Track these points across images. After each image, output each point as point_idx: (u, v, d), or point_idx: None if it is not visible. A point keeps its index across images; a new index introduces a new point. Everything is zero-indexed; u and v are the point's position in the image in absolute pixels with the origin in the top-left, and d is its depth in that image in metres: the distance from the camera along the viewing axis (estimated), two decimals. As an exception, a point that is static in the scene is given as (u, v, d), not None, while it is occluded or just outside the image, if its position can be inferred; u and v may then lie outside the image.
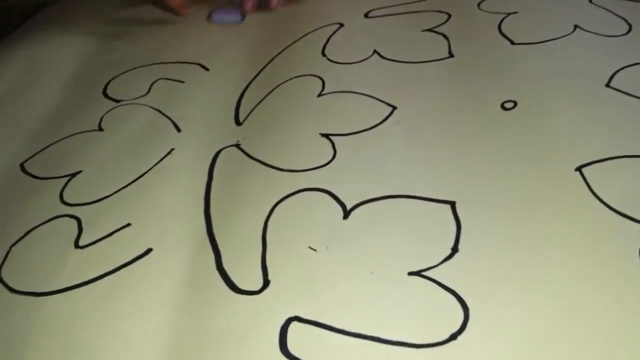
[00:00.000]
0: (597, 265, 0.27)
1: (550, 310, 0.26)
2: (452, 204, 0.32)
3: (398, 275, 0.28)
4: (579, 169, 0.32)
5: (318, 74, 0.44)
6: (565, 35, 0.44)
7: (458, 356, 0.24)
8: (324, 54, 0.47)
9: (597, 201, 0.30)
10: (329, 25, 0.51)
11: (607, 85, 0.38)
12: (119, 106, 0.44)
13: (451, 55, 0.44)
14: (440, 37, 0.47)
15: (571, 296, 0.26)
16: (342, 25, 0.51)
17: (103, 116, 0.43)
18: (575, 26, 0.45)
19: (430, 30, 0.48)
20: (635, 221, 0.29)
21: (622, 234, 0.28)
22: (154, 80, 0.46)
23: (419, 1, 0.53)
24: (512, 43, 0.44)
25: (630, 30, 0.44)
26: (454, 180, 0.33)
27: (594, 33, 0.44)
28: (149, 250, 0.32)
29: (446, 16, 0.50)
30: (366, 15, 0.52)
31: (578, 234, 0.29)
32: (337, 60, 0.46)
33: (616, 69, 0.39)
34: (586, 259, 0.27)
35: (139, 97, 0.45)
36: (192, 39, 0.52)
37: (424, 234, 0.30)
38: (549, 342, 0.24)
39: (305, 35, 0.50)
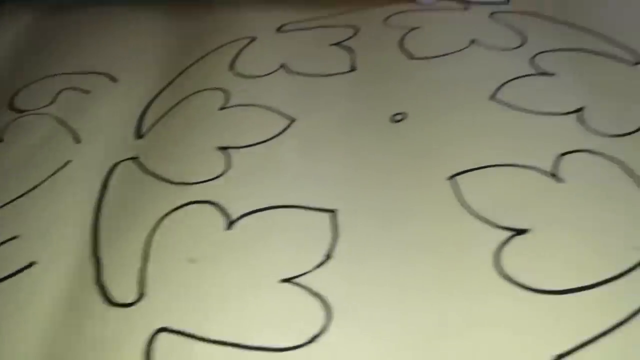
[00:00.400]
0: (457, 268, 0.28)
1: (416, 312, 0.27)
2: (333, 213, 0.33)
3: (270, 283, 0.29)
4: (452, 177, 0.33)
5: (224, 87, 0.44)
6: (461, 50, 0.46)
7: (317, 358, 0.25)
8: (232, 68, 0.47)
9: (463, 208, 0.31)
10: (241, 39, 0.52)
11: (491, 97, 0.40)
12: (22, 116, 0.44)
13: (353, 69, 0.46)
14: (346, 51, 0.48)
15: (437, 300, 0.27)
16: (254, 39, 0.52)
17: (6, 127, 0.43)
18: (472, 40, 0.47)
19: (337, 44, 0.49)
20: (495, 226, 0.30)
21: (481, 238, 0.29)
22: (59, 90, 0.46)
23: (330, 16, 0.54)
24: (411, 57, 0.46)
25: (523, 43, 0.45)
26: (337, 190, 0.34)
27: (488, 47, 0.46)
28: (32, 264, 0.32)
29: (354, 31, 0.51)
30: (279, 30, 0.53)
31: (443, 239, 0.30)
32: (245, 74, 0.47)
33: (502, 82, 0.41)
34: (449, 263, 0.29)
35: (42, 107, 0.45)
36: (101, 48, 0.52)
37: (302, 242, 0.31)
38: (412, 344, 0.25)
39: (217, 48, 0.51)
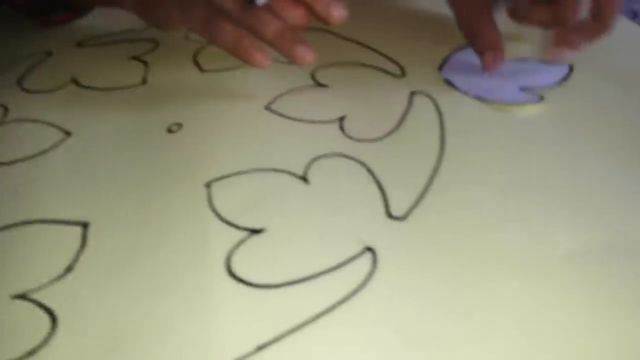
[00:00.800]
0: (189, 269, 0.29)
1: (140, 311, 0.27)
2: (85, 225, 0.33)
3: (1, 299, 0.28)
4: (209, 183, 0.34)
5: (4, 103, 0.43)
6: (250, 63, 0.47)
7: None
8: (19, 83, 0.46)
9: (212, 212, 0.32)
10: (37, 53, 0.51)
11: (267, 107, 0.42)
12: None
13: (144, 82, 0.46)
14: (142, 64, 0.49)
15: (161, 296, 0.28)
16: (50, 53, 0.51)
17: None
18: (263, 54, 0.48)
19: (134, 57, 0.50)
20: (235, 227, 0.31)
21: (218, 239, 0.31)
22: None
23: (133, 30, 0.54)
24: (201, 70, 0.47)
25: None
26: (95, 203, 0.34)
27: (275, 61, 0.48)
28: None
29: (154, 45, 0.51)
30: (79, 44, 0.53)
31: (183, 244, 0.31)
32: (31, 89, 0.46)
33: (280, 93, 0.43)
34: (183, 265, 0.30)
35: None
36: None
37: (41, 255, 0.31)
38: (117, 344, 0.26)
39: (9, 64, 0.49)
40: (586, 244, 0.30)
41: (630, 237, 0.30)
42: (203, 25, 0.40)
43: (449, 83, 0.43)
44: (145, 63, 0.49)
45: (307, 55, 0.39)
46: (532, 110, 0.41)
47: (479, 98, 0.41)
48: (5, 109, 0.43)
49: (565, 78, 0.43)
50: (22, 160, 0.38)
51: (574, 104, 0.41)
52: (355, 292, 0.28)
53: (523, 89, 0.42)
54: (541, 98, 0.41)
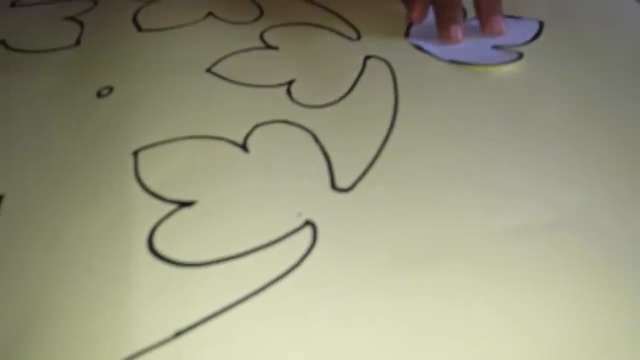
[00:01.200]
0: (109, 245, 0.26)
1: (67, 290, 0.24)
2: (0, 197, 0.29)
3: None
4: (136, 152, 0.31)
5: None
6: (195, 22, 0.44)
7: None
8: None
9: (137, 183, 0.29)
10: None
11: (208, 70, 0.38)
12: None
13: (78, 43, 0.42)
14: (77, 24, 0.45)
15: (84, 276, 0.25)
16: (-22, 14, 0.47)
17: None
18: (209, 13, 0.45)
19: (71, 18, 0.46)
20: (162, 199, 0.28)
21: (143, 213, 0.28)
22: None
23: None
24: (139, 30, 0.43)
25: (259, 17, 0.45)
26: (12, 174, 0.31)
27: (224, 20, 0.44)
28: None
29: (92, 4, 0.47)
30: (13, 5, 0.48)
31: (104, 217, 0.28)
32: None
33: (224, 55, 0.39)
34: (102, 241, 0.27)
35: None
36: None
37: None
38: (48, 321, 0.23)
39: None
40: (536, 219, 0.27)
41: (583, 212, 0.28)
42: None
43: (419, 48, 0.40)
44: (81, 23, 0.45)
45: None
46: (512, 69, 0.38)
47: (454, 62, 0.38)
48: None
49: (535, 36, 0.41)
50: None
51: (537, 66, 0.38)
52: (289, 271, 0.25)
53: (495, 47, 0.40)
54: (520, 55, 0.38)
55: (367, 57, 0.39)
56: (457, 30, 0.40)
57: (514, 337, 0.22)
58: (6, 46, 0.43)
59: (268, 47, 0.41)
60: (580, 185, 0.29)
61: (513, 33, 0.41)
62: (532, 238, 0.26)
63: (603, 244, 0.26)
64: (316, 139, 0.32)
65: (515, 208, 0.28)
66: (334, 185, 0.29)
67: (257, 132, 0.33)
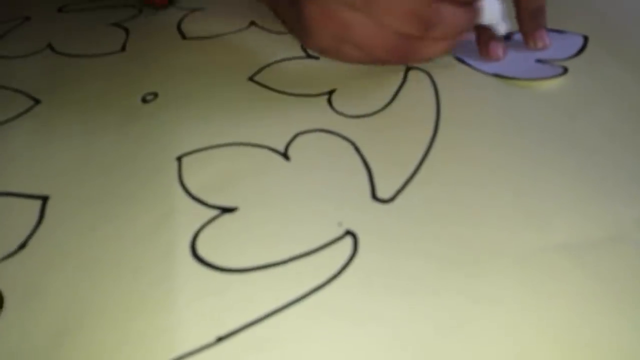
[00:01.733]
0: (152, 248, 0.27)
1: (100, 291, 0.25)
2: (45, 199, 0.30)
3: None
4: (180, 157, 0.32)
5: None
6: (237, 31, 0.45)
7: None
8: (-10, 48, 0.43)
9: (181, 188, 0.30)
10: (13, 20, 0.48)
11: (250, 79, 0.39)
12: None
13: (123, 49, 0.43)
14: (123, 31, 0.46)
15: (123, 276, 0.25)
16: (28, 18, 0.48)
17: None
18: (251, 22, 0.46)
19: (116, 24, 0.47)
20: (205, 205, 0.29)
21: (187, 217, 0.28)
22: None
23: (118, -4, 0.51)
24: (184, 38, 0.44)
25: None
26: (60, 176, 0.32)
27: (266, 30, 0.45)
28: None
29: (137, 11, 0.48)
30: (60, 10, 0.50)
31: (149, 222, 0.28)
32: (4, 55, 0.43)
33: (267, 64, 0.40)
34: (145, 245, 0.27)
35: None
36: None
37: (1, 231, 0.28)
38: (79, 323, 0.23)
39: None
40: (584, 236, 0.26)
41: (630, 229, 0.27)
42: None
43: (461, 61, 0.40)
44: (126, 30, 0.46)
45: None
46: (558, 83, 0.37)
47: (498, 76, 0.38)
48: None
49: (580, 51, 0.40)
50: (-17, 127, 0.35)
51: (582, 78, 0.38)
52: (331, 279, 0.25)
53: (539, 61, 0.39)
54: (565, 70, 0.38)
55: (408, 69, 0.39)
56: (497, 48, 0.39)
57: (561, 355, 0.22)
58: (53, 49, 0.44)
59: (309, 56, 0.41)
60: (635, 199, 0.28)
61: (557, 47, 0.40)
62: (584, 253, 0.26)
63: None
64: (357, 149, 0.32)
65: (566, 223, 0.27)
66: (374, 196, 0.29)
67: (298, 140, 0.33)
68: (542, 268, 0.25)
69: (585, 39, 0.42)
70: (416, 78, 0.38)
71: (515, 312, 0.23)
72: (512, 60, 0.40)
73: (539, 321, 0.23)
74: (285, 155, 0.32)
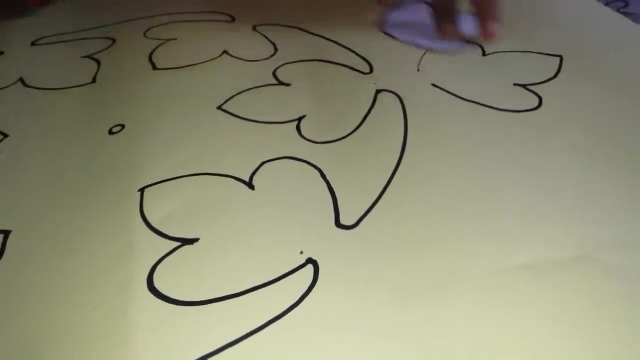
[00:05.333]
0: (111, 284, 0.26)
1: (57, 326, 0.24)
2: (6, 233, 0.30)
3: None
4: (142, 189, 0.31)
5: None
6: (210, 60, 0.45)
7: None
8: (-38, 83, 0.43)
9: (142, 220, 0.29)
10: (-14, 53, 0.48)
11: (219, 107, 0.38)
12: None
13: (94, 81, 0.43)
14: (95, 63, 0.46)
15: (72, 311, 0.25)
16: (2, 53, 0.48)
17: None
18: (224, 51, 0.46)
19: (89, 56, 0.47)
20: (165, 237, 0.28)
21: (146, 250, 0.27)
22: None
23: (92, 29, 0.51)
24: (154, 68, 0.44)
25: (273, 55, 0.45)
26: (22, 210, 0.31)
27: (238, 58, 0.45)
28: None
29: (111, 42, 0.49)
30: (33, 44, 0.50)
31: (107, 255, 0.28)
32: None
33: (237, 92, 0.40)
34: (103, 278, 0.26)
35: None
36: None
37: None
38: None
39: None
40: (548, 257, 0.26)
41: (595, 246, 0.27)
42: None
43: (390, 36, 0.46)
44: (98, 62, 0.46)
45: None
46: (530, 104, 0.38)
47: (430, 50, 0.44)
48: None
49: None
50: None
51: (558, 102, 0.38)
52: (290, 309, 0.24)
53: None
54: (463, 45, 0.44)
55: (378, 92, 0.39)
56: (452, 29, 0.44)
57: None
58: (24, 83, 0.44)
59: (281, 83, 0.41)
60: (601, 219, 0.28)
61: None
62: (546, 272, 0.25)
63: (626, 278, 0.25)
64: (323, 176, 0.32)
65: (531, 241, 0.27)
66: (338, 223, 0.29)
67: (264, 168, 0.33)
68: (504, 289, 0.25)
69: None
70: (385, 101, 0.38)
71: (476, 335, 0.23)
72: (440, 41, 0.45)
73: (503, 343, 0.23)
74: (250, 184, 0.32)
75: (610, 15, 0.49)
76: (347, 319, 0.24)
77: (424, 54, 0.43)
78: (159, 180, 0.32)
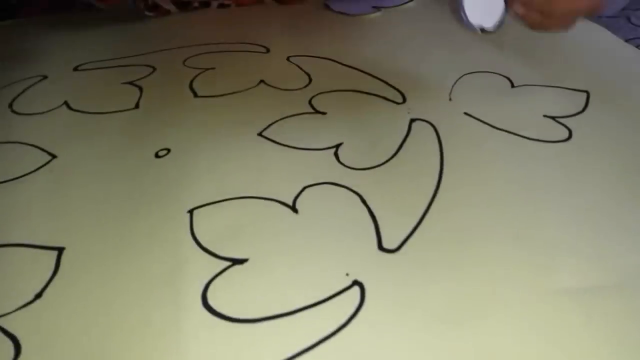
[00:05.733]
0: (164, 302, 0.27)
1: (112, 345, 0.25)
2: (60, 250, 0.31)
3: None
4: (191, 210, 0.33)
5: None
6: (247, 89, 0.46)
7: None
8: (10, 105, 0.45)
9: (192, 240, 0.31)
10: (31, 77, 0.50)
11: (260, 134, 0.40)
12: None
13: (137, 106, 0.45)
14: (137, 89, 0.47)
15: (132, 325, 0.26)
16: (45, 77, 0.50)
17: None
18: (261, 81, 0.47)
19: (129, 82, 0.49)
20: (215, 256, 0.29)
21: (198, 268, 0.29)
22: None
23: (132, 56, 0.53)
24: (195, 95, 0.46)
25: (308, 84, 0.47)
26: (74, 228, 0.32)
27: (275, 87, 0.47)
28: None
29: (151, 70, 0.50)
30: (76, 69, 0.52)
31: (159, 273, 0.29)
32: (21, 112, 0.45)
33: (275, 119, 0.41)
34: (157, 297, 0.28)
35: None
36: None
37: (12, 280, 0.29)
38: None
39: (5, 86, 0.49)
40: (592, 279, 0.27)
41: (634, 272, 0.28)
42: None
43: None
44: (140, 88, 0.48)
45: None
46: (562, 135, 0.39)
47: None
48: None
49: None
50: (4, 182, 0.36)
51: (587, 134, 0.39)
52: (339, 329, 0.25)
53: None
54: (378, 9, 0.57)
55: (412, 120, 0.41)
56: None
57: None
58: (69, 107, 0.45)
59: (317, 112, 0.43)
60: (636, 245, 0.29)
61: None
62: (586, 298, 0.26)
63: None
64: (363, 201, 0.33)
65: (570, 268, 0.28)
66: (381, 246, 0.30)
67: (306, 193, 0.34)
68: (546, 313, 0.26)
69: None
70: (419, 129, 0.40)
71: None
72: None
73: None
74: (293, 207, 0.33)
75: (632, 52, 0.51)
76: (393, 339, 0.25)
77: (454, 83, 0.45)
78: (206, 202, 0.33)
